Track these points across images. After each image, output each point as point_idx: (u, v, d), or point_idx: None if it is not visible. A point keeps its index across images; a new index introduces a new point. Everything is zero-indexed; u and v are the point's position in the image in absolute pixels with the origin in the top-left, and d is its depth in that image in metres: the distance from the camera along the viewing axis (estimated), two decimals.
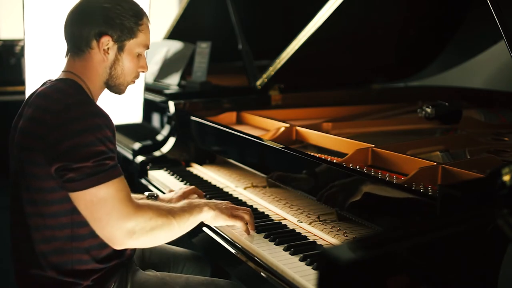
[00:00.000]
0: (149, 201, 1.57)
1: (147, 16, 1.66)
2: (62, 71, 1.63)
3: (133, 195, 1.94)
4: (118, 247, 1.48)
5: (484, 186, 1.21)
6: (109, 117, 1.51)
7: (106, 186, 1.43)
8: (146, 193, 1.96)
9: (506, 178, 1.13)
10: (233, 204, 1.73)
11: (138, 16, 1.62)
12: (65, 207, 1.49)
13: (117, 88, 1.67)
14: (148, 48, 1.68)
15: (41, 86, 1.62)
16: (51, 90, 1.54)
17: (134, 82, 1.70)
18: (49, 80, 1.64)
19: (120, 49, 1.61)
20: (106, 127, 1.47)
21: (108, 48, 1.58)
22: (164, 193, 2.13)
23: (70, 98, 1.50)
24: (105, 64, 1.61)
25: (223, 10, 3.12)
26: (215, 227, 1.74)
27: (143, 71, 1.70)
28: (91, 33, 1.56)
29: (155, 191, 2.19)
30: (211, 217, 1.64)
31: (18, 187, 1.54)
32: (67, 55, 1.64)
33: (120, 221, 1.44)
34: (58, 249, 1.52)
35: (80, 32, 1.57)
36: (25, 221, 1.53)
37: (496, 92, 3.01)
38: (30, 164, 1.49)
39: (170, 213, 1.55)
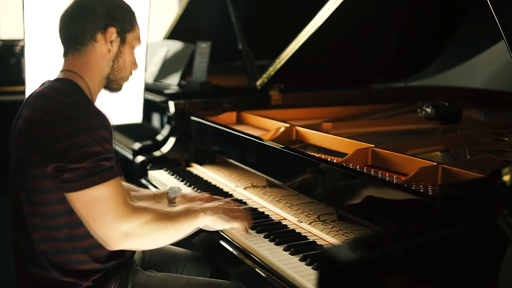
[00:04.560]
0: (146, 204, 1.57)
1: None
2: (61, 71, 1.63)
3: (143, 190, 1.95)
4: (113, 248, 1.48)
5: (484, 186, 1.21)
6: (106, 117, 1.51)
7: (101, 187, 1.43)
8: (168, 188, 1.91)
9: (506, 178, 1.13)
10: (229, 203, 1.72)
11: (131, 10, 1.67)
12: (62, 207, 1.48)
13: (117, 83, 1.69)
14: (141, 43, 1.72)
15: (39, 87, 1.62)
16: (48, 90, 1.55)
17: (128, 79, 1.73)
18: (48, 80, 1.64)
19: (123, 41, 1.64)
20: (103, 127, 1.47)
21: (112, 41, 1.61)
22: None
23: (67, 98, 1.50)
24: (108, 57, 1.62)
25: (223, 10, 3.12)
26: None
27: (135, 69, 1.73)
28: (96, 26, 1.59)
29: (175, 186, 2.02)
30: (209, 222, 1.63)
31: (17, 186, 1.54)
32: (64, 55, 1.64)
33: (115, 223, 1.44)
34: (57, 249, 1.52)
35: (83, 26, 1.58)
36: (24, 221, 1.53)
37: (496, 92, 3.01)
38: (27, 164, 1.49)
39: (167, 217, 1.54)
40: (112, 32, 1.60)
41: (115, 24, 1.61)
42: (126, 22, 1.63)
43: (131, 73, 1.72)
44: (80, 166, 1.42)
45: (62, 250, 1.52)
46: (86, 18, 1.59)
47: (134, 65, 1.72)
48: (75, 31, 1.60)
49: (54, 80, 1.60)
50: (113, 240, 1.46)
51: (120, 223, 1.45)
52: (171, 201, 1.90)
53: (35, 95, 1.58)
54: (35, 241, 1.52)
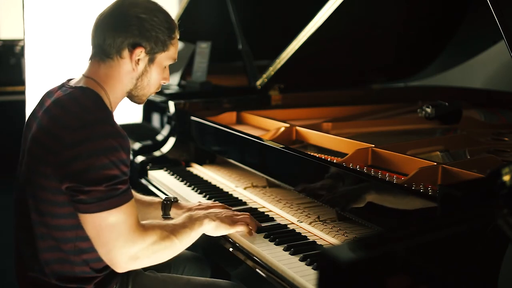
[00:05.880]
0: (154, 222, 1.55)
1: (178, 29, 1.63)
2: (84, 75, 1.57)
3: (145, 197, 1.86)
4: (120, 270, 1.48)
5: (484, 186, 1.21)
6: (126, 138, 1.47)
7: (116, 211, 1.42)
8: (163, 197, 1.84)
9: (506, 178, 1.13)
10: (232, 211, 1.73)
11: (171, 29, 1.59)
12: (71, 221, 1.47)
13: (139, 99, 1.65)
14: (175, 61, 1.65)
15: (59, 88, 1.58)
16: (69, 100, 1.50)
17: (154, 93, 1.69)
18: (68, 80, 1.59)
19: (151, 61, 1.58)
20: (122, 148, 1.43)
21: (139, 60, 1.55)
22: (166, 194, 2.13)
23: (88, 114, 1.46)
24: (132, 74, 1.57)
25: (223, 10, 3.11)
26: None
27: (165, 83, 1.68)
28: (124, 43, 1.52)
29: (172, 196, 2.04)
30: (212, 228, 1.63)
31: (25, 193, 1.52)
32: (90, 58, 1.59)
33: (125, 247, 1.44)
34: (61, 259, 1.51)
35: (113, 39, 1.52)
36: (31, 228, 1.51)
37: (496, 92, 3.01)
38: (39, 175, 1.46)
39: (173, 232, 1.54)
40: (140, 52, 1.53)
41: (145, 44, 1.53)
42: (158, 44, 1.55)
43: (158, 88, 1.66)
44: (96, 189, 1.39)
45: (66, 260, 1.51)
46: (117, 32, 1.52)
47: (165, 80, 1.65)
48: (103, 41, 1.53)
49: (76, 87, 1.53)
50: (122, 263, 1.45)
51: (130, 246, 1.44)
52: (166, 213, 1.84)
53: (55, 101, 1.52)
54: (39, 250, 1.51)
